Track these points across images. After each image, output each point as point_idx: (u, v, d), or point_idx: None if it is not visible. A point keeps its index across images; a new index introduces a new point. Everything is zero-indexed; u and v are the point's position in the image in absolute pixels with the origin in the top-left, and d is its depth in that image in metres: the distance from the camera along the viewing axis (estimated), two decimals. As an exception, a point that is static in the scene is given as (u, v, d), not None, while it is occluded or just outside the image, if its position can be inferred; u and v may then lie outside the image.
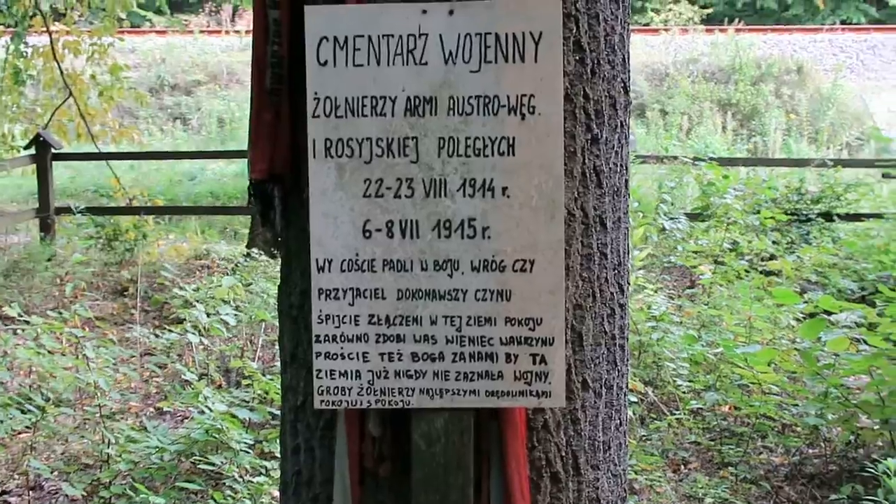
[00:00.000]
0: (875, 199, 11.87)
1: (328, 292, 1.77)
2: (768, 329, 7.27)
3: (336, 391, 1.78)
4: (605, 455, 2.01)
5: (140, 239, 10.23)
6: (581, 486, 1.95)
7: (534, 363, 1.77)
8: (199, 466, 5.20)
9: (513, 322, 1.77)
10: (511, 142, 1.75)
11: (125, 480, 5.21)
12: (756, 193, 11.33)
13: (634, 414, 6.64)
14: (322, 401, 1.79)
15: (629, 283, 2.14)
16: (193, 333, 6.93)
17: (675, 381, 6.86)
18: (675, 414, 6.56)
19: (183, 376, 6.36)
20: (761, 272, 9.13)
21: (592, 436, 1.97)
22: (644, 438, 6.33)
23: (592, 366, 1.96)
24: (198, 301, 7.71)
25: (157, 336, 7.82)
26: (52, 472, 5.55)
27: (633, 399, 6.66)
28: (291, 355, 2.00)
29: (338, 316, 1.77)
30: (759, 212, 10.66)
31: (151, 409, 6.61)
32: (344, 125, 1.76)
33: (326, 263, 1.77)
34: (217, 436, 5.21)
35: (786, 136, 20.37)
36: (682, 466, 6.08)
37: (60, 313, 7.91)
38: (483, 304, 1.77)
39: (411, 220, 1.76)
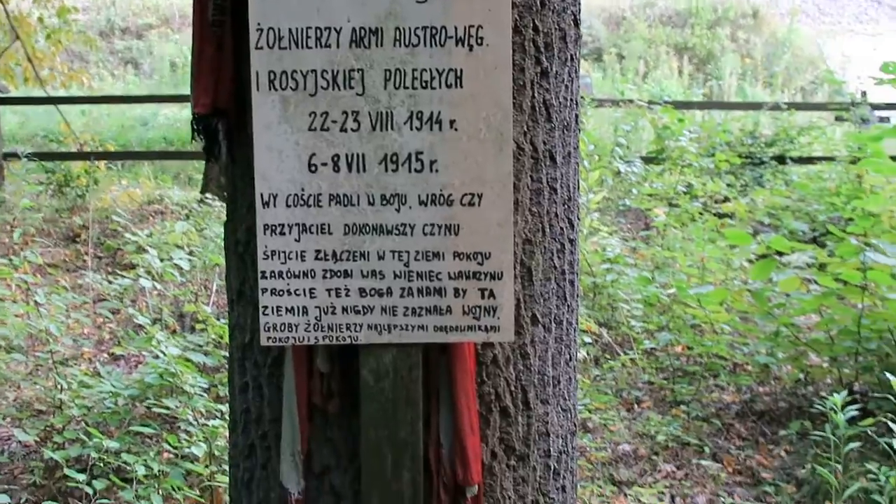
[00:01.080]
0: (827, 143, 11.97)
1: (273, 228, 1.74)
2: (721, 270, 7.34)
3: (283, 328, 1.76)
4: (555, 390, 2.02)
5: (91, 185, 10.08)
6: (530, 420, 1.95)
7: (482, 298, 1.76)
8: (153, 410, 5.17)
9: (461, 256, 1.75)
10: (459, 74, 1.72)
11: (79, 426, 5.17)
12: (711, 137, 11.40)
13: (589, 354, 6.70)
14: (269, 338, 1.77)
15: (579, 219, 2.13)
16: (146, 279, 6.87)
17: (629, 321, 6.93)
18: (628, 354, 6.62)
19: (136, 321, 6.30)
20: (715, 214, 9.20)
21: (542, 370, 1.97)
22: (598, 378, 6.39)
23: (542, 300, 1.96)
24: (151, 246, 7.63)
25: (109, 282, 7.74)
26: (3, 419, 5.51)
27: (588, 340, 6.72)
28: (238, 293, 1.97)
29: (283, 252, 1.75)
30: (713, 155, 10.73)
31: (105, 355, 6.56)
32: (288, 57, 1.71)
33: (271, 198, 1.74)
34: (171, 380, 5.17)
35: (741, 80, 20.47)
36: (636, 405, 6.16)
37: (10, 260, 7.81)
38: (431, 239, 1.75)
39: (358, 154, 1.73)
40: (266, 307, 1.76)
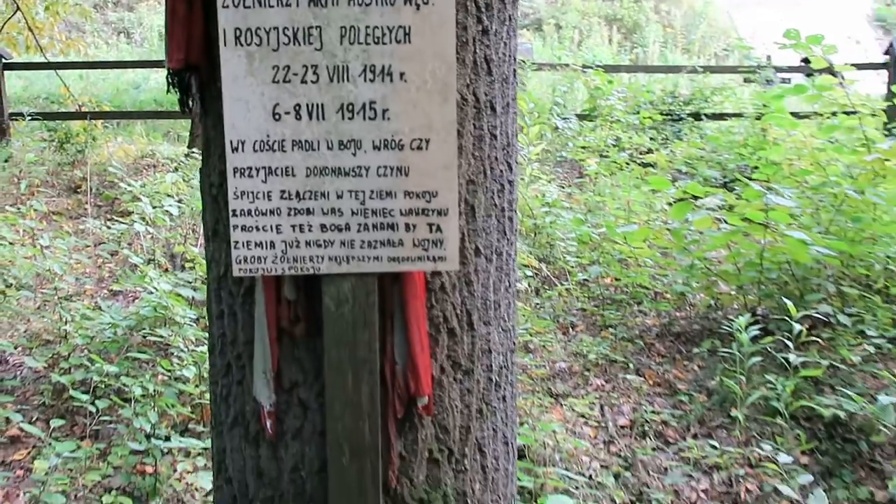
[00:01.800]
0: (737, 101, 12.01)
1: (242, 171, 1.69)
2: (644, 212, 7.37)
3: (252, 260, 1.72)
4: (496, 313, 2.00)
5: (90, 141, 9.86)
6: (474, 339, 1.93)
7: (430, 232, 1.72)
8: (148, 339, 5.13)
9: (411, 195, 1.71)
10: (407, 31, 1.67)
11: (82, 353, 5.11)
12: (636, 97, 11.39)
13: (530, 286, 6.71)
14: (240, 269, 1.72)
15: (518, 163, 2.09)
16: (141, 224, 6.78)
17: (564, 257, 6.94)
18: (564, 285, 6.65)
19: (132, 261, 6.22)
20: (640, 164, 9.22)
21: (484, 296, 1.95)
22: (538, 306, 6.41)
23: (484, 234, 1.93)
24: (144, 195, 7.51)
25: (108, 227, 7.63)
26: (15, 348, 5.42)
27: (529, 273, 6.73)
28: (213, 230, 1.92)
29: (252, 192, 1.70)
30: (638, 112, 10.73)
31: (105, 292, 6.46)
32: (252, 15, 1.65)
33: (240, 144, 1.68)
34: (164, 312, 5.12)
35: (663, 47, 20.45)
36: (571, 329, 6.19)
37: (18, 209, 7.65)
38: (384, 180, 1.71)
39: (317, 104, 1.68)
40: (237, 242, 1.71)
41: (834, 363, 4.95)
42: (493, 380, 2.00)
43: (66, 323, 5.34)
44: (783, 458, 4.15)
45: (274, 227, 1.71)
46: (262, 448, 1.88)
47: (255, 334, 1.83)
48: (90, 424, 4.58)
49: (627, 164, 8.94)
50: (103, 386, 4.71)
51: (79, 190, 9.01)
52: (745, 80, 12.37)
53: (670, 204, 7.24)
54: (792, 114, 7.75)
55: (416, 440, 1.87)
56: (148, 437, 4.40)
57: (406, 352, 1.79)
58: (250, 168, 1.69)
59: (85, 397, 4.48)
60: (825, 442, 4.77)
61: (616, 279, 6.72)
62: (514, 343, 2.10)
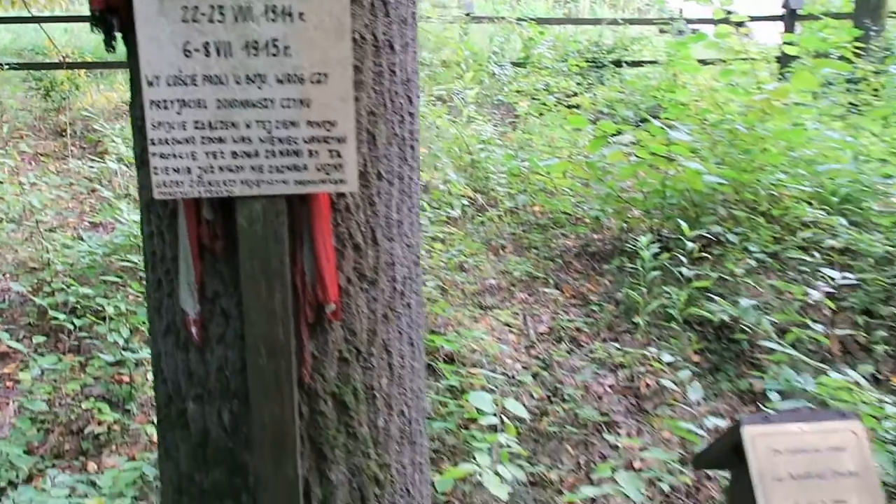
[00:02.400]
0: (653, 50, 11.96)
1: (158, 103, 1.64)
2: (567, 148, 7.37)
3: (171, 184, 1.68)
4: (399, 230, 1.99)
5: (73, 90, 9.55)
6: (379, 253, 1.93)
7: (331, 157, 1.70)
8: (121, 264, 5.06)
9: (313, 125, 1.68)
10: (304, -26, 1.62)
11: (64, 278, 5.04)
12: (565, 46, 11.29)
13: (466, 213, 6.71)
14: (160, 192, 1.69)
15: (418, 97, 2.06)
16: (115, 163, 6.63)
17: (497, 188, 6.94)
18: (496, 212, 6.66)
19: (102, 195, 6.11)
20: (566, 106, 9.18)
21: (387, 215, 1.94)
22: (473, 231, 6.43)
23: (385, 160, 1.90)
24: (120, 137, 7.34)
25: (90, 167, 7.46)
26: (3, 275, 5.32)
27: (466, 202, 6.72)
28: (140, 159, 1.87)
29: (168, 123, 1.65)
30: (566, 60, 10.64)
31: (86, 224, 6.34)
32: (160, -41, 1.58)
33: (155, 79, 1.63)
34: (135, 240, 5.05)
35: (592, 2, 20.20)
36: (501, 250, 6.22)
37: (6, 150, 7.43)
38: (288, 111, 1.67)
39: (224, 42, 1.62)
40: (156, 168, 1.67)
41: (723, 275, 5.06)
42: (398, 289, 2.01)
43: (48, 252, 5.24)
44: (666, 357, 4.23)
45: (189, 154, 1.67)
46: (191, 352, 1.88)
47: (179, 252, 1.80)
48: (70, 340, 4.54)
49: (555, 105, 8.91)
50: (81, 307, 4.66)
51: (63, 134, 8.76)
52: (660, 31, 12.32)
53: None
54: (700, 61, 7.75)
55: (327, 342, 1.87)
56: (122, 350, 4.37)
57: (314, 264, 1.78)
58: (165, 101, 1.64)
59: (64, 316, 4.43)
60: (713, 342, 4.90)
61: (541, 207, 6.75)
62: (417, 257, 2.10)
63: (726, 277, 5.00)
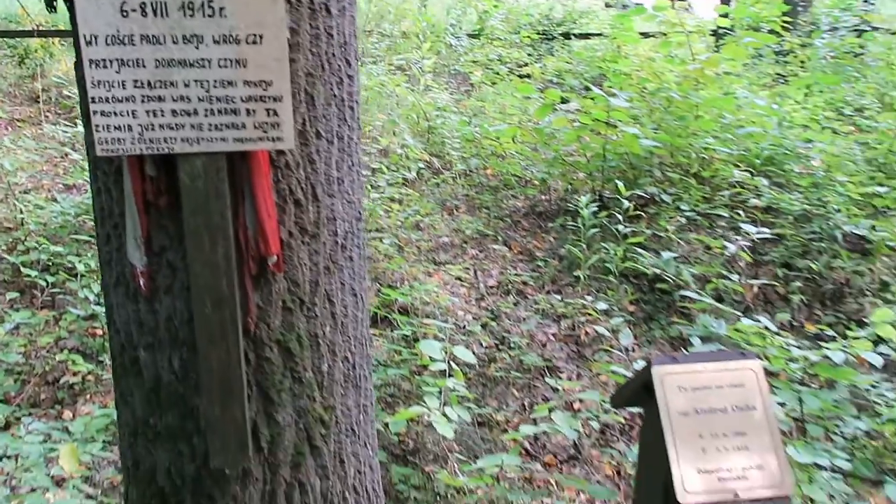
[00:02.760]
0: (600, 23, 11.88)
1: (97, 62, 1.57)
2: (518, 115, 7.31)
3: (113, 141, 1.62)
4: (340, 187, 1.94)
5: (48, 57, 9.22)
6: (319, 209, 1.88)
7: (268, 116, 1.64)
8: (92, 224, 4.93)
9: (249, 84, 1.62)
10: (238, -64, 1.54)
11: (37, 238, 4.90)
12: (517, 19, 11.16)
13: (423, 176, 6.65)
14: (102, 149, 1.62)
15: (357, 59, 2.00)
16: (88, 127, 6.43)
17: (451, 152, 6.88)
18: (450, 175, 6.61)
19: (75, 158, 5.93)
20: (518, 76, 9.11)
21: (327, 173, 1.89)
22: (429, 192, 6.38)
23: (324, 120, 1.85)
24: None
25: (64, 132, 7.23)
26: (-22, 235, 5.17)
27: (422, 165, 6.66)
28: (86, 116, 1.79)
29: (107, 82, 1.58)
30: (518, 32, 10.53)
31: (60, 186, 6.16)
32: (95, -80, 1.50)
33: (93, 38, 1.55)
34: (105, 201, 4.92)
35: (545, -21, 19.99)
36: (454, 210, 6.19)
37: (-18, 116, 7.18)
38: (225, 70, 1.60)
39: (160, 2, 1.55)
40: (98, 126, 1.60)
41: (657, 232, 5.09)
42: (339, 243, 1.97)
43: (22, 212, 5.09)
44: (601, 306, 4.26)
45: (130, 112, 1.60)
46: (141, 303, 1.83)
47: (125, 207, 1.74)
48: (43, 297, 4.43)
49: (507, 75, 8.83)
50: (54, 264, 4.54)
51: (38, 100, 8.47)
52: (606, 5, 12.24)
53: (540, 108, 7.20)
54: (642, 34, 7.71)
55: (271, 292, 1.83)
56: (94, 305, 4.28)
57: (255, 219, 1.73)
58: (104, 60, 1.57)
59: (37, 273, 4.32)
60: (648, 294, 4.94)
61: (492, 170, 6.71)
62: (359, 213, 2.06)
63: (660, 234, 5.03)
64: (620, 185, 4.71)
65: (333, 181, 1.91)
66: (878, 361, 2.28)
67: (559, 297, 4.89)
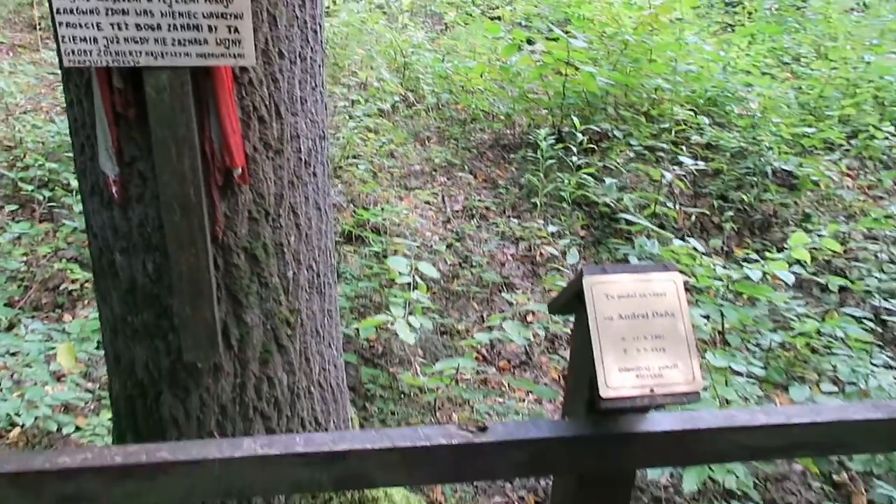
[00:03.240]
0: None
1: (61, -26, 1.46)
2: (487, 54, 7.11)
3: (79, 53, 1.52)
4: (303, 107, 1.86)
5: (46, -14, 8.76)
6: (283, 126, 1.80)
7: (230, 32, 1.54)
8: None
9: (210, 1, 1.52)
10: None
11: (35, 156, 4.74)
12: (492, -36, 10.74)
13: (398, 108, 6.49)
14: (69, 60, 1.52)
15: (321, -16, 1.89)
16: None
17: (425, 87, 6.71)
18: (423, 108, 6.47)
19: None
20: (489, 17, 8.83)
21: (290, 92, 1.80)
22: (403, 124, 6.24)
23: (287, 41, 1.75)
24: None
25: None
26: (-21, 153, 4.99)
27: (398, 98, 6.49)
28: (55, 30, 1.68)
29: (72, -7, 1.47)
30: (489, -25, 10.15)
31: (58, 109, 5.93)
32: None
33: (56, -50, 1.44)
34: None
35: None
36: (426, 141, 6.07)
37: (-18, 41, 6.84)
38: (187, -14, 1.50)
39: (122, -85, 1.43)
40: (64, 37, 1.50)
41: (607, 165, 5.04)
42: (303, 159, 1.90)
43: (21, 132, 4.90)
44: (551, 228, 4.24)
45: (94, 24, 1.50)
46: (115, 211, 1.76)
47: (96, 118, 1.65)
48: (41, 210, 4.31)
49: (479, 17, 8.55)
50: (51, 181, 4.40)
51: (37, 27, 8.08)
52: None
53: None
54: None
55: (238, 203, 1.77)
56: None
57: (220, 133, 1.65)
58: (68, -29, 1.46)
59: (33, 188, 4.19)
60: (597, 220, 4.93)
61: (462, 105, 6.57)
62: (322, 132, 1.99)
63: (610, 167, 4.99)
64: (576, 120, 4.63)
65: (297, 100, 1.83)
66: (790, 279, 2.30)
67: (518, 222, 4.86)
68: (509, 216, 5.05)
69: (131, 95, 1.61)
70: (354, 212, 4.57)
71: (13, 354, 3.34)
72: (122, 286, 1.84)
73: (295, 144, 1.85)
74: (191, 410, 1.93)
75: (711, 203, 4.87)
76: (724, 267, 2.55)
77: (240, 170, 1.70)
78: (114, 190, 1.70)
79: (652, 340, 1.56)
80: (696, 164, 4.00)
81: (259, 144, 1.76)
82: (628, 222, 4.55)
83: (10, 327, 3.72)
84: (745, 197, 4.72)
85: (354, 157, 5.38)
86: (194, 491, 1.45)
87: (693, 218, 4.85)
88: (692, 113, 5.02)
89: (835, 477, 2.72)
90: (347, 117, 5.67)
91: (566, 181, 4.71)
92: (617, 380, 1.50)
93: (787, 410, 1.64)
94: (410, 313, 3.50)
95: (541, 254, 4.70)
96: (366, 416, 3.55)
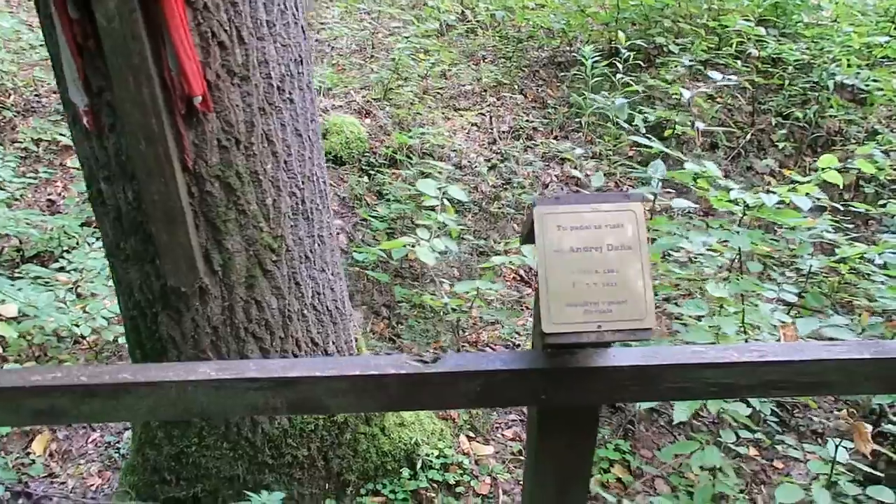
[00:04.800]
0: None
1: None
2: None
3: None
4: (271, 30, 1.75)
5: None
6: (247, 51, 1.70)
7: (169, -45, 1.44)
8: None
9: (146, -79, 1.41)
10: None
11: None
12: None
13: (451, 26, 6.20)
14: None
15: None
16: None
17: (481, 5, 6.35)
18: (480, 27, 6.15)
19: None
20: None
21: (254, 16, 1.69)
22: (459, 43, 5.97)
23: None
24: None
25: None
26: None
27: (454, 17, 6.20)
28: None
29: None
30: None
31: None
32: None
33: None
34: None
35: None
36: (482, 61, 5.80)
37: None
38: None
39: None
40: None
41: (659, 81, 4.66)
42: (275, 86, 1.80)
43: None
44: (578, 151, 3.99)
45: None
46: (94, 140, 1.74)
47: (60, 49, 1.61)
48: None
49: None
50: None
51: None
52: None
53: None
54: None
55: (205, 132, 1.71)
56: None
57: (176, 60, 1.58)
58: None
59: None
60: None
61: (521, 22, 6.19)
62: (299, 56, 1.87)
63: (659, 83, 4.61)
64: (623, 35, 4.24)
65: (262, 24, 1.72)
66: (805, 205, 2.04)
67: (566, 143, 4.62)
68: (557, 137, 4.81)
69: (88, 26, 1.55)
70: (400, 134, 4.45)
71: (79, 270, 3.52)
72: (111, 213, 1.84)
73: (264, 70, 1.76)
74: (186, 331, 1.95)
75: (769, 120, 4.44)
76: (743, 190, 2.30)
77: (200, 97, 1.63)
78: (85, 120, 1.67)
79: (604, 275, 1.41)
80: (728, 80, 3.59)
81: (222, 71, 1.68)
82: (637, 144, 4.23)
83: (77, 245, 3.91)
84: (803, 113, 4.26)
85: (406, 78, 5.21)
86: (156, 410, 1.47)
87: (749, 136, 4.45)
88: (752, 25, 4.51)
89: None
90: (401, 37, 5.47)
91: (611, 100, 4.40)
92: (563, 315, 1.38)
93: (762, 347, 1.48)
94: (439, 235, 3.42)
95: (587, 175, 4.47)
96: (397, 333, 3.56)
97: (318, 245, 2.11)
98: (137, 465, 2.24)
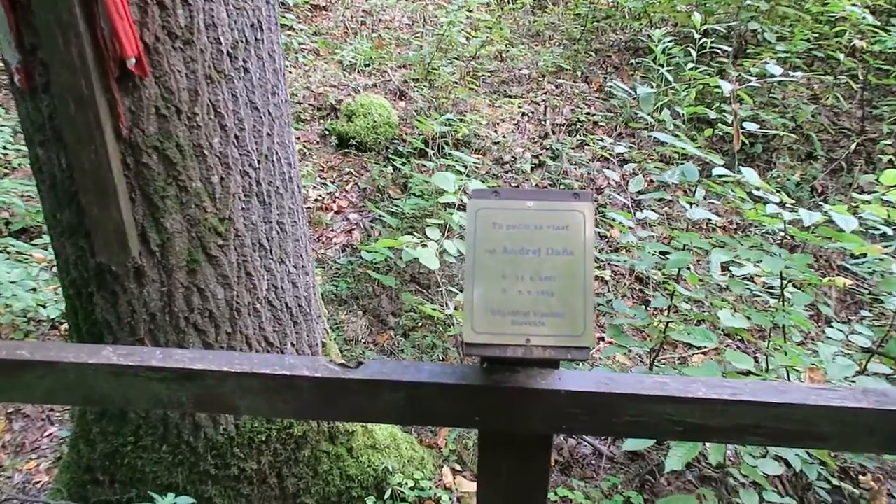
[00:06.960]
0: None
1: None
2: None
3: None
4: (222, -9, 1.85)
5: None
6: (192, 13, 1.79)
7: None
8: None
9: None
10: None
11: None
12: None
13: (524, 4, 6.25)
14: (-56, -62, 1.63)
15: None
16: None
17: (555, -22, 6.37)
18: (554, 4, 6.17)
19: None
20: None
21: (200, -26, 1.80)
22: (520, 19, 6.01)
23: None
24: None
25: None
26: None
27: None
28: None
29: None
30: None
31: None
32: None
33: None
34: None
35: None
36: (548, 41, 5.82)
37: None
38: None
39: None
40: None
41: (743, 73, 4.55)
42: (226, 52, 1.90)
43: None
44: (617, 147, 3.94)
45: None
46: (29, 101, 1.89)
47: (-5, 1, 1.76)
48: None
49: None
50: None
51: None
52: None
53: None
54: None
55: (142, 98, 1.82)
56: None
57: (108, 18, 1.70)
58: None
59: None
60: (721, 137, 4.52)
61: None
62: (257, 20, 1.96)
63: (745, 76, 4.49)
64: (697, 17, 4.15)
65: (210, -15, 1.82)
66: (849, 225, 1.94)
67: (631, 140, 4.58)
68: (622, 134, 4.77)
69: (17, -19, 1.69)
70: (424, 120, 4.53)
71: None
72: (46, 181, 1.99)
73: (212, 35, 1.86)
74: (122, 315, 2.08)
75: (879, 128, 4.27)
76: (784, 206, 2.23)
77: (134, 60, 1.75)
78: (16, 78, 1.82)
79: (540, 282, 1.43)
80: (791, 75, 3.46)
81: (161, 33, 1.79)
82: (659, 141, 4.12)
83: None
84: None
85: (456, 58, 5.30)
86: (55, 393, 1.58)
87: (854, 146, 4.29)
88: (858, 11, 4.33)
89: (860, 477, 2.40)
90: (447, 12, 5.56)
91: (681, 93, 4.33)
92: (487, 323, 1.40)
93: (736, 384, 1.46)
94: (448, 237, 3.47)
95: (650, 181, 4.42)
96: (402, 348, 3.63)
97: (277, 233, 2.20)
98: (72, 462, 2.39)
